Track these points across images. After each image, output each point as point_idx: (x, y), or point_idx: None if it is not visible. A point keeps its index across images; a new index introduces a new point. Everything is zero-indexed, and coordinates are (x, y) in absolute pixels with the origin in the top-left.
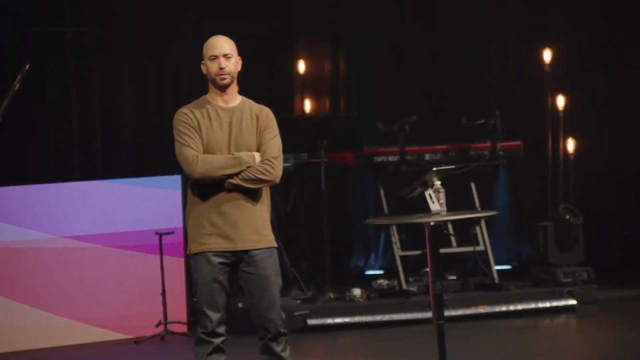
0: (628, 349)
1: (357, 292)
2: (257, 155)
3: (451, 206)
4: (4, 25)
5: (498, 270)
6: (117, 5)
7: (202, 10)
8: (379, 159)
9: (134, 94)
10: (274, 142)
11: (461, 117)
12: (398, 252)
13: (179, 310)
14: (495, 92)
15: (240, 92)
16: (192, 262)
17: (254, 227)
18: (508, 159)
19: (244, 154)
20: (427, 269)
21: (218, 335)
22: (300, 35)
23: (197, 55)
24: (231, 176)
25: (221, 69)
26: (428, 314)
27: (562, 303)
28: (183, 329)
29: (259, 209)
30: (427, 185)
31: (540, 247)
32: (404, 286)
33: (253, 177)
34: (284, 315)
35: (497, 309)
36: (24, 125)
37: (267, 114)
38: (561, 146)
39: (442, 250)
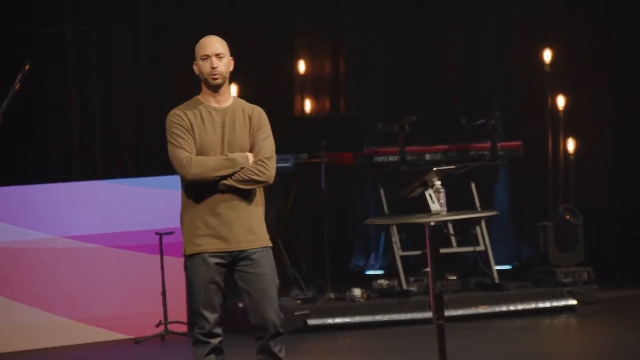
0: (628, 349)
1: (357, 292)
2: (250, 156)
3: (451, 206)
4: (4, 25)
5: (498, 270)
6: (117, 5)
7: (202, 10)
8: (379, 159)
9: (134, 94)
10: (267, 143)
11: (461, 117)
12: (398, 252)
13: (179, 310)
14: (495, 92)
15: (241, 92)
16: (188, 263)
17: (248, 227)
18: (508, 159)
19: (237, 155)
20: (427, 269)
21: (215, 335)
22: (300, 35)
23: None
24: (225, 177)
25: (213, 68)
26: (428, 314)
27: (562, 303)
28: (183, 329)
29: (254, 209)
30: (428, 185)
31: (541, 247)
32: (404, 286)
33: (247, 178)
34: (282, 315)
35: (497, 309)
36: (24, 125)
37: (259, 114)
38: (561, 146)
39: (442, 250)
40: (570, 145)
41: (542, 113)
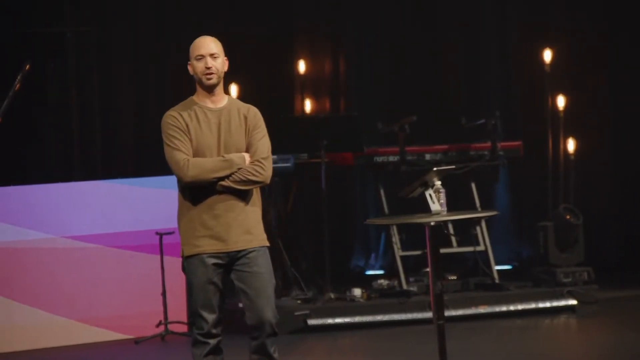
0: (628, 349)
1: (357, 292)
2: (247, 156)
3: (451, 206)
4: (4, 25)
5: (498, 270)
6: (117, 5)
7: (202, 10)
8: (379, 159)
9: (134, 94)
10: (263, 142)
11: (461, 117)
12: (398, 252)
13: (179, 310)
14: (495, 92)
15: (241, 92)
16: (186, 264)
17: (246, 227)
18: (508, 159)
19: (234, 156)
20: (428, 269)
21: (214, 336)
22: (300, 35)
23: None
24: (222, 178)
25: (208, 68)
26: (428, 314)
27: (562, 303)
28: (183, 329)
29: (251, 210)
30: (428, 185)
31: (541, 247)
32: (405, 286)
33: (244, 178)
34: (277, 316)
35: (497, 309)
36: (24, 125)
37: (254, 114)
38: (561, 146)
39: (442, 251)
40: (570, 145)
41: (542, 113)
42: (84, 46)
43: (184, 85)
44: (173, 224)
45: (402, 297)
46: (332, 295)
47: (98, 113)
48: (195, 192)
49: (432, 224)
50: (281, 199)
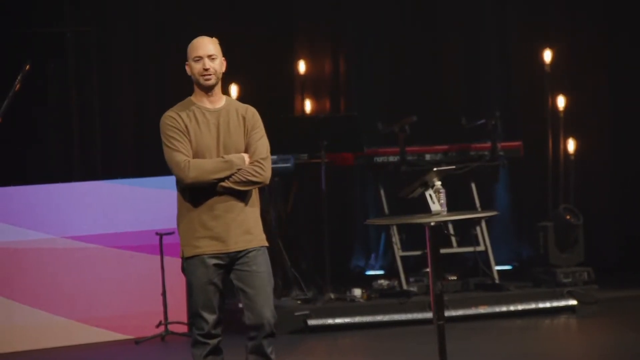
0: (628, 349)
1: (357, 292)
2: (246, 157)
3: (451, 206)
4: (4, 25)
5: (498, 271)
6: (117, 5)
7: (202, 10)
8: (379, 159)
9: (134, 94)
10: (262, 143)
11: (461, 117)
12: (398, 253)
13: (179, 311)
14: (495, 92)
15: (241, 92)
16: (185, 265)
17: (246, 228)
18: (508, 159)
19: (234, 157)
20: (428, 269)
21: (214, 336)
22: (300, 35)
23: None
24: (222, 179)
25: (205, 70)
26: (428, 315)
27: (562, 303)
28: (183, 329)
29: (250, 210)
30: (428, 185)
31: (541, 247)
32: (405, 286)
33: (244, 179)
34: (276, 316)
35: (497, 309)
36: (24, 125)
37: (253, 114)
38: (561, 146)
39: (442, 251)
40: (570, 145)
41: (542, 113)
42: (84, 46)
43: (184, 85)
44: (173, 224)
45: (402, 297)
46: (332, 296)
47: (98, 113)
48: (195, 193)
49: (432, 224)
50: (281, 199)
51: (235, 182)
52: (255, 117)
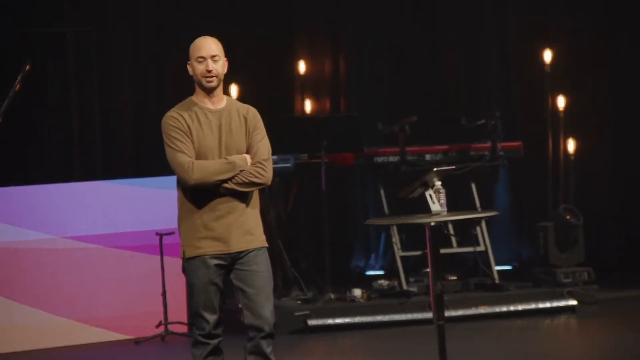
0: (628, 349)
1: (357, 292)
2: (248, 158)
3: (451, 206)
4: (4, 25)
5: (498, 271)
6: (117, 5)
7: (202, 10)
8: (379, 159)
9: (134, 94)
10: (264, 144)
11: (461, 117)
12: (398, 253)
13: (179, 311)
14: (495, 92)
15: (241, 92)
16: (186, 265)
17: (247, 228)
18: (508, 159)
19: (237, 158)
20: (428, 270)
21: (215, 336)
22: (300, 35)
23: None
24: (225, 181)
25: (209, 71)
26: (428, 315)
27: (562, 303)
28: (183, 329)
29: (252, 211)
30: (428, 185)
31: (541, 247)
32: (405, 286)
33: (247, 180)
34: (275, 316)
35: (497, 309)
36: (24, 125)
37: (254, 115)
38: (561, 146)
39: (442, 251)
40: (570, 145)
41: (542, 113)
42: (84, 46)
43: (184, 85)
44: (173, 224)
45: (402, 297)
46: (332, 296)
47: (98, 113)
48: (197, 193)
49: (432, 224)
50: (281, 200)
51: (238, 184)
52: (257, 117)
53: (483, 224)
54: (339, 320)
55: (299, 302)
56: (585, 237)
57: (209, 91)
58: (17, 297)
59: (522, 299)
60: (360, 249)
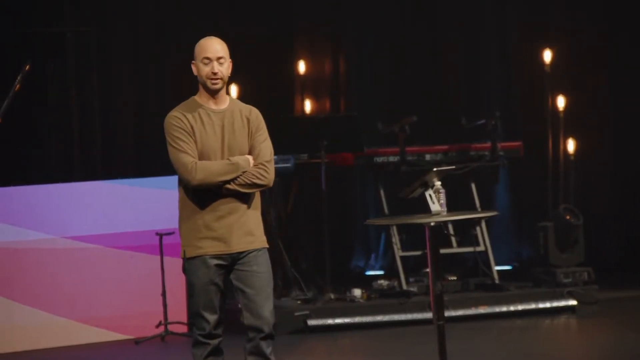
0: (628, 349)
1: (357, 292)
2: (251, 159)
3: (451, 206)
4: (4, 25)
5: (498, 271)
6: (117, 5)
7: (202, 10)
8: (379, 159)
9: (134, 94)
10: (266, 145)
11: (461, 117)
12: (398, 253)
13: (179, 311)
14: (495, 92)
15: (241, 92)
16: (187, 265)
17: (248, 229)
18: (508, 160)
19: (240, 159)
20: (428, 270)
21: (215, 336)
22: (300, 35)
23: None
24: (228, 182)
25: (214, 74)
26: (428, 315)
27: (562, 303)
28: (183, 329)
29: (253, 212)
30: (428, 185)
31: (541, 247)
32: (405, 287)
33: (249, 182)
34: (274, 317)
35: (497, 309)
36: (24, 125)
37: (256, 115)
38: (561, 146)
39: (442, 251)
40: (570, 145)
41: (542, 113)
42: (84, 46)
43: (184, 85)
44: (173, 224)
45: (402, 297)
46: (332, 296)
47: (98, 113)
48: (199, 194)
49: (432, 224)
50: (281, 200)
51: (240, 185)
52: (259, 118)
53: (483, 224)
54: (339, 320)
55: (299, 302)
56: (585, 237)
57: (213, 93)
58: (17, 297)
59: (522, 299)
60: (360, 249)
